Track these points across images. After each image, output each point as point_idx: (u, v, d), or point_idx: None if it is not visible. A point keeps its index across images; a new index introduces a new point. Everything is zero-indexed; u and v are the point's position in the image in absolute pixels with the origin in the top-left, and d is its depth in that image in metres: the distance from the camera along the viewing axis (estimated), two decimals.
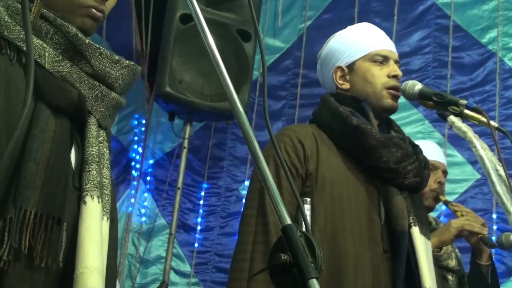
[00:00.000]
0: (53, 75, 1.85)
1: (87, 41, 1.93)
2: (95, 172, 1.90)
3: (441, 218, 4.88)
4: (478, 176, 5.02)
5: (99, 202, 1.87)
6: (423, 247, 2.39)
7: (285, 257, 1.22)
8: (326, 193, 2.36)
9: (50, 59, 1.86)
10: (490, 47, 5.26)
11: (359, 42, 2.63)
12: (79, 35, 1.91)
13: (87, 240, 1.80)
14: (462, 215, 3.47)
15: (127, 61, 2.05)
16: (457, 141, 5.10)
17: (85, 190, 1.86)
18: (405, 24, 5.55)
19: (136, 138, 6.00)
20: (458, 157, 5.13)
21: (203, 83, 4.82)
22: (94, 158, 1.92)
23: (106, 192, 1.96)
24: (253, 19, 1.75)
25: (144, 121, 5.99)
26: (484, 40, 5.30)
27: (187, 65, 4.80)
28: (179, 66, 4.76)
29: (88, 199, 1.85)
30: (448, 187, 4.95)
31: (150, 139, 6.01)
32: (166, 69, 4.68)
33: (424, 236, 2.46)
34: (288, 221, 1.23)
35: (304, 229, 1.31)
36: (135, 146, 5.96)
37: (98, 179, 1.90)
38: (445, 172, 3.88)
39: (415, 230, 2.41)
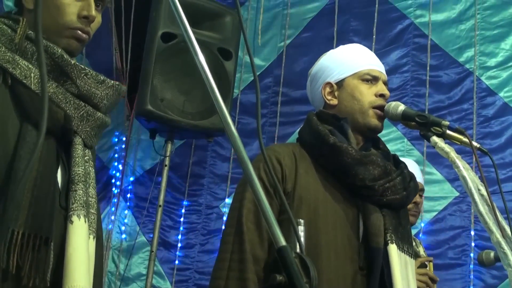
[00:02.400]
0: (38, 95, 1.87)
1: (72, 62, 1.95)
2: (81, 191, 1.92)
3: (420, 235, 4.92)
4: (457, 193, 5.07)
5: (85, 221, 1.89)
6: (399, 264, 2.39)
7: (281, 277, 1.24)
8: (302, 212, 2.37)
9: (36, 80, 1.87)
10: (467, 66, 5.32)
11: (350, 60, 2.66)
12: (65, 56, 1.93)
13: (74, 259, 1.81)
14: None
15: (112, 81, 2.07)
16: (435, 159, 5.14)
17: (72, 209, 1.88)
18: (383, 43, 5.60)
19: (116, 155, 6.01)
20: (437, 175, 5.17)
21: (184, 101, 4.84)
22: (80, 178, 1.94)
23: (92, 211, 1.98)
24: (244, 36, 1.78)
25: (124, 139, 5.99)
26: (461, 59, 5.36)
27: (168, 83, 4.81)
28: (160, 84, 4.77)
29: (74, 218, 1.87)
30: (426, 204, 5.01)
31: (130, 156, 6.02)
32: (147, 87, 4.69)
33: (405, 254, 2.48)
34: (283, 242, 1.25)
35: (298, 250, 1.34)
36: (115, 164, 5.97)
37: (85, 198, 1.92)
38: (421, 191, 3.92)
39: (392, 248, 2.41)
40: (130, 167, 5.98)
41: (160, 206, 5.00)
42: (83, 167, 1.96)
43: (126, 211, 5.88)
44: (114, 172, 5.95)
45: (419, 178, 4.00)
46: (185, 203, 5.83)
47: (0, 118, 1.81)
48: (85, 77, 1.98)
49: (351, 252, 2.40)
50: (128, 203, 5.90)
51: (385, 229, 2.44)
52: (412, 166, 3.94)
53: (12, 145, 1.80)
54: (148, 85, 4.69)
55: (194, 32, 4.69)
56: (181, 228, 5.78)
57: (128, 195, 5.93)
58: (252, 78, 5.95)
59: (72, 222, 1.86)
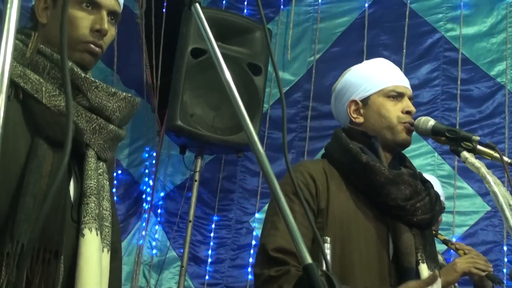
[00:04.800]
0: (50, 109, 1.89)
1: (83, 75, 1.96)
2: (93, 204, 1.92)
3: (451, 251, 4.87)
4: (488, 208, 5.02)
5: (97, 234, 1.89)
6: None
7: None
8: (336, 230, 2.37)
9: (47, 94, 1.89)
10: (499, 79, 5.28)
11: (375, 77, 2.64)
12: (75, 69, 1.95)
13: (85, 272, 1.82)
14: (465, 253, 3.47)
15: (124, 93, 2.07)
16: (466, 173, 5.10)
17: (84, 222, 1.88)
18: (414, 57, 5.58)
19: (147, 171, 6.03)
20: (468, 189, 5.13)
21: (214, 117, 4.86)
22: (93, 191, 1.94)
23: (106, 224, 1.98)
24: (270, 53, 1.78)
25: (154, 154, 6.02)
26: (492, 73, 5.33)
27: (198, 98, 4.84)
28: (190, 99, 4.80)
29: (86, 231, 1.87)
30: (458, 219, 4.97)
31: (160, 171, 6.04)
32: (177, 103, 4.72)
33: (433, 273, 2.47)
34: (309, 260, 1.24)
35: (324, 267, 1.33)
36: (146, 179, 5.99)
37: (97, 211, 1.92)
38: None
39: (423, 267, 2.41)
40: (161, 182, 6.00)
41: (190, 221, 5.01)
42: (95, 180, 1.97)
43: (156, 227, 5.90)
44: (144, 187, 5.97)
45: (441, 195, 3.97)
46: (215, 218, 5.83)
47: (12, 132, 1.83)
48: (95, 90, 1.98)
49: (382, 271, 2.40)
50: (158, 219, 5.92)
51: (416, 248, 2.43)
52: (435, 183, 3.91)
53: (23, 159, 1.81)
54: (178, 100, 4.72)
55: (223, 48, 4.73)
56: (211, 243, 5.77)
57: (159, 211, 5.94)
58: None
59: (83, 235, 1.87)
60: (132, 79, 5.93)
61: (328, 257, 1.40)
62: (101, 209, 1.95)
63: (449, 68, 5.47)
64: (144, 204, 5.92)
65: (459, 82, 5.37)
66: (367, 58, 5.29)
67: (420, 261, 2.42)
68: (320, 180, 2.47)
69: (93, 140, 2.00)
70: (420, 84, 5.47)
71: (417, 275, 2.40)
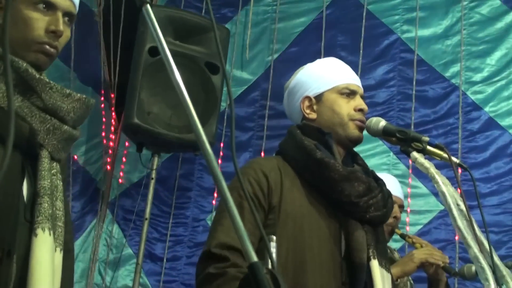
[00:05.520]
0: (4, 109, 1.88)
1: (37, 76, 1.96)
2: (46, 204, 1.92)
3: (406, 250, 4.95)
4: (442, 207, 5.09)
5: (50, 234, 1.89)
6: (380, 280, 2.43)
7: None
8: (288, 227, 2.39)
9: (1, 94, 1.88)
10: (453, 81, 5.36)
11: (328, 75, 2.69)
12: (29, 70, 1.94)
13: (38, 271, 1.82)
14: (422, 247, 3.54)
15: (79, 95, 2.08)
16: (421, 172, 5.06)
17: (37, 222, 1.88)
18: (370, 58, 5.64)
19: (103, 168, 6.01)
20: (423, 188, 5.20)
21: (171, 115, 4.86)
22: (46, 191, 1.94)
23: (59, 223, 1.98)
24: (219, 54, 1.80)
25: (111, 152, 5.99)
26: (447, 74, 5.41)
27: (155, 97, 4.83)
28: (148, 98, 4.79)
29: (39, 231, 1.87)
30: (412, 218, 5.05)
31: (117, 169, 6.02)
32: (134, 101, 4.71)
33: (384, 269, 2.50)
34: (255, 258, 1.25)
35: (269, 266, 1.35)
36: (103, 176, 5.96)
37: (50, 211, 1.92)
38: (401, 207, 3.95)
39: (374, 263, 2.44)
40: (117, 180, 5.98)
41: (146, 219, 5.00)
42: (49, 180, 1.97)
43: (113, 224, 5.88)
44: (101, 185, 5.94)
45: (400, 194, 4.03)
46: (171, 216, 5.83)
47: None
48: (50, 90, 1.98)
49: (334, 268, 2.42)
50: (115, 216, 5.90)
51: (367, 245, 2.46)
52: (392, 181, 3.96)
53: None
54: (135, 98, 4.71)
55: (181, 46, 4.71)
56: (168, 241, 5.78)
57: (115, 208, 5.92)
58: (240, 92, 5.99)
59: (36, 235, 1.86)
60: (89, 77, 5.90)
61: (274, 255, 1.41)
62: (54, 209, 1.95)
63: (405, 69, 5.54)
64: (100, 202, 5.90)
65: (414, 83, 5.43)
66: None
67: (371, 257, 2.45)
68: (273, 177, 2.48)
69: (47, 140, 1.99)
70: (376, 85, 5.53)
71: (368, 271, 2.43)
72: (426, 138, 2.49)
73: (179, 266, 5.71)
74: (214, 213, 5.49)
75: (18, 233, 1.85)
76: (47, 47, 2.02)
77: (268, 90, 5.89)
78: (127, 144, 5.94)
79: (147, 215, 5.02)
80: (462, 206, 2.34)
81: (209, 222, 5.71)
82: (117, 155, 6.00)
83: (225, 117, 5.85)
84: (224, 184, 1.34)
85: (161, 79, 4.77)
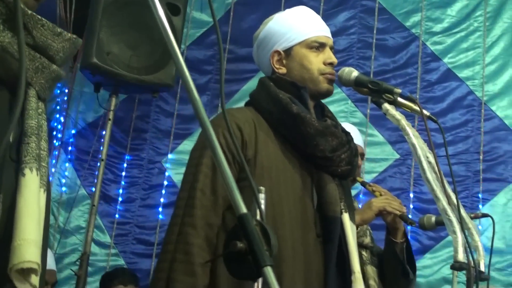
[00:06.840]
0: (8, 53, 1.83)
1: (29, 12, 1.90)
2: (34, 144, 1.88)
3: (360, 196, 5.01)
4: (397, 156, 5.17)
5: (37, 174, 1.87)
6: (351, 233, 2.47)
7: (241, 244, 1.24)
8: (265, 180, 2.37)
9: (8, 40, 1.83)
10: (413, 30, 5.39)
11: (297, 27, 2.64)
12: (21, 5, 1.89)
13: (26, 212, 1.79)
14: (381, 195, 3.58)
15: (69, 35, 2.03)
16: (378, 121, 5.22)
17: (24, 162, 1.85)
18: (332, 4, 5.63)
19: (58, 107, 5.94)
20: (379, 137, 5.26)
21: (131, 56, 4.78)
22: (34, 130, 1.90)
23: (44, 164, 1.94)
24: None
25: (66, 90, 5.90)
26: (408, 24, 5.43)
27: (115, 37, 4.74)
28: (107, 37, 4.70)
29: (27, 171, 1.84)
30: (368, 166, 5.10)
31: (72, 108, 5.94)
32: (93, 40, 4.61)
33: (352, 222, 2.54)
34: (244, 209, 1.25)
35: (259, 217, 1.34)
36: (57, 115, 5.90)
37: (37, 151, 1.89)
38: (362, 155, 3.97)
39: (345, 216, 2.48)
40: (72, 119, 5.91)
41: (102, 160, 4.95)
42: (36, 120, 1.93)
43: (66, 164, 5.84)
44: (55, 124, 5.87)
45: (360, 142, 4.05)
46: (127, 157, 5.81)
47: None
48: (41, 28, 1.93)
49: (308, 220, 2.43)
50: (69, 156, 5.85)
51: (340, 198, 2.49)
52: (353, 131, 3.97)
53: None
54: (95, 37, 4.61)
55: None
56: (123, 182, 5.77)
57: (69, 148, 5.87)
58: (198, 34, 5.94)
59: (24, 175, 1.83)
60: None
61: (263, 207, 1.40)
62: (40, 149, 1.92)
63: (366, 17, 5.55)
64: (54, 141, 5.83)
65: (375, 32, 5.46)
66: (286, 3, 5.34)
67: (343, 210, 2.48)
68: (247, 130, 2.45)
69: (35, 79, 1.95)
70: (337, 32, 5.53)
71: (341, 223, 2.46)
72: (398, 90, 2.48)
73: (133, 208, 5.71)
74: (169, 156, 5.49)
75: (4, 173, 1.81)
76: None
77: (227, 33, 5.84)
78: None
79: (104, 156, 4.97)
80: (431, 159, 2.36)
81: (165, 165, 5.71)
82: (72, 94, 5.92)
83: (184, 59, 5.77)
84: (211, 129, 1.32)
85: (122, 18, 4.68)
